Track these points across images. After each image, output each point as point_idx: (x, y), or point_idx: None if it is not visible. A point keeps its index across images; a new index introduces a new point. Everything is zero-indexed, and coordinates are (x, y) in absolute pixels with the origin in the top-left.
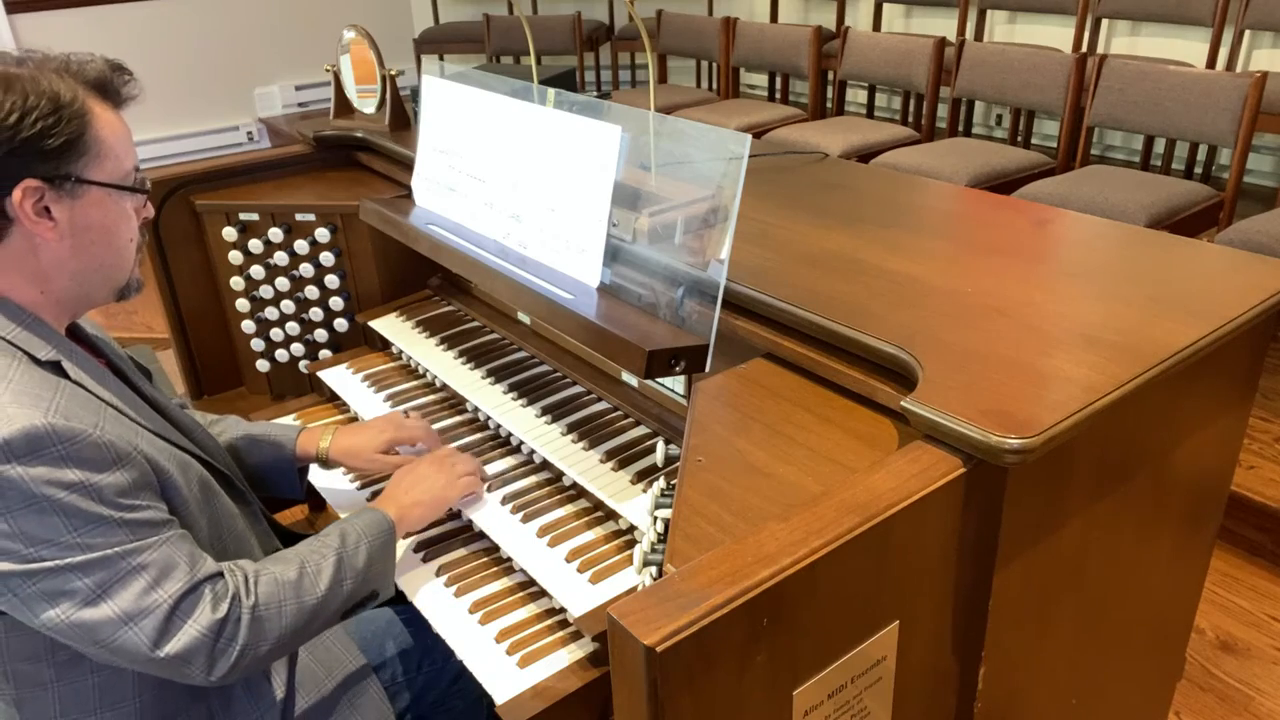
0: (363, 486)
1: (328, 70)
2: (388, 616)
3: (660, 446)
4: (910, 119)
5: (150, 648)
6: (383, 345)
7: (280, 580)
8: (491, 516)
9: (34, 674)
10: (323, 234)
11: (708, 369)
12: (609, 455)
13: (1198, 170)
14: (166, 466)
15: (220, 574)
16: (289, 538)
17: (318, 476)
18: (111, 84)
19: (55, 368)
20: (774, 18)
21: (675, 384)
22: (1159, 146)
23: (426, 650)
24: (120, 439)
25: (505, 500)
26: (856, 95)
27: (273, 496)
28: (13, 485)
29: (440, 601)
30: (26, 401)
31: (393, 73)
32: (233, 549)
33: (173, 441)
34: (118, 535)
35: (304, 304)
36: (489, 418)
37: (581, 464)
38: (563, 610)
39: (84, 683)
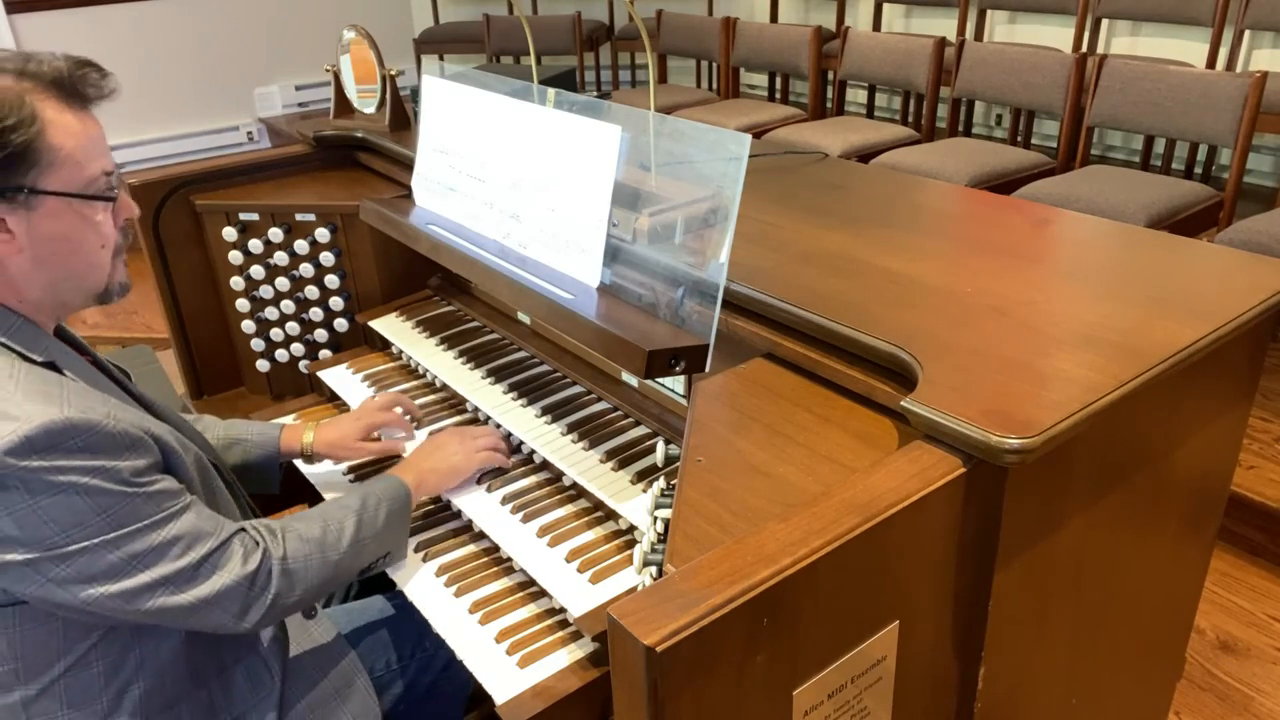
0: (356, 479)
1: (328, 70)
2: (379, 605)
3: (660, 446)
4: (910, 119)
5: (189, 603)
6: (383, 345)
7: (305, 537)
8: (491, 516)
9: (44, 666)
10: (323, 234)
11: (708, 369)
12: (609, 455)
13: (1198, 170)
14: (174, 445)
15: (243, 529)
16: None
17: (307, 468)
18: (70, 84)
19: (51, 367)
20: (774, 18)
21: (675, 384)
22: (1159, 146)
23: (419, 638)
24: (131, 425)
25: (505, 500)
26: (856, 95)
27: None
28: (37, 478)
29: (440, 601)
30: (39, 399)
31: (393, 73)
32: None
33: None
34: (144, 509)
35: (304, 304)
36: (489, 418)
37: (581, 464)
38: (563, 610)
39: (90, 671)
